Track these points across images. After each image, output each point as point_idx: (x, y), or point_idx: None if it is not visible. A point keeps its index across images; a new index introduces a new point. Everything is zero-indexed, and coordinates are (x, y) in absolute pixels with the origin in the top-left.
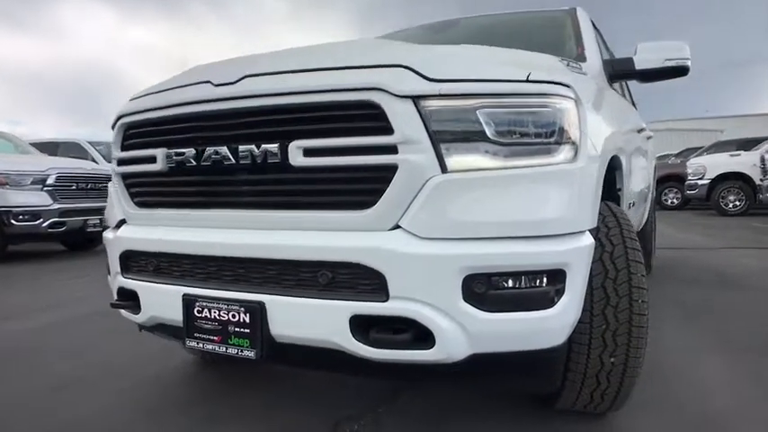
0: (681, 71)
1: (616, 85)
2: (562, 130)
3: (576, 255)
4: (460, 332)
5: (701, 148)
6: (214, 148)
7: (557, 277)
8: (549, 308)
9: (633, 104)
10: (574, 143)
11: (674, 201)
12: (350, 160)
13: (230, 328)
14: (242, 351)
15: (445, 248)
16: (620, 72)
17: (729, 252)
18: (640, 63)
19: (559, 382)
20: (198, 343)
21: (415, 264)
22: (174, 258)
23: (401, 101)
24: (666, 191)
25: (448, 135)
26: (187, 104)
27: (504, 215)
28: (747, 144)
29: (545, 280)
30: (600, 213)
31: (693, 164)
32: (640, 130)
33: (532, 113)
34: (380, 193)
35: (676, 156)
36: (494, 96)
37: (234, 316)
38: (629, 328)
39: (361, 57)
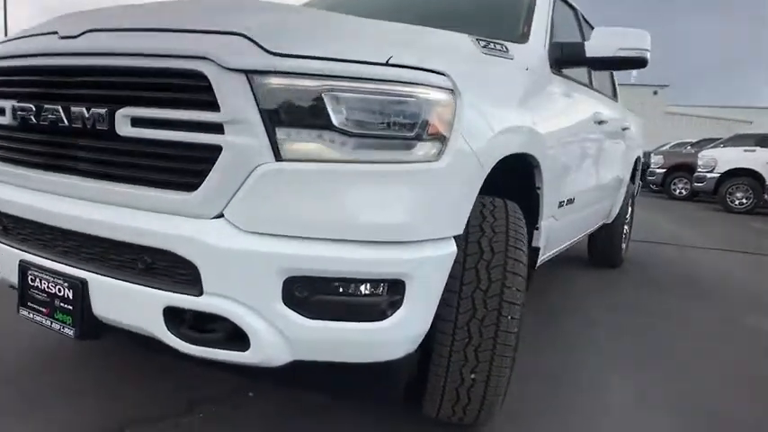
0: (637, 62)
1: (580, 71)
2: (425, 124)
3: (421, 265)
4: (279, 337)
5: (719, 139)
6: (52, 106)
7: (393, 288)
8: (380, 320)
9: (614, 91)
10: (440, 139)
11: (683, 191)
12: (175, 136)
13: (56, 303)
14: (64, 328)
15: (266, 245)
16: (569, 58)
17: (715, 253)
18: (592, 50)
19: (408, 392)
20: (29, 313)
21: (232, 259)
22: (16, 221)
23: (232, 75)
24: (676, 181)
25: (286, 119)
26: (33, 56)
27: (341, 215)
28: (766, 140)
29: (378, 290)
30: (491, 216)
31: (705, 156)
32: (601, 122)
33: (390, 102)
34: (205, 175)
35: (693, 145)
36: (344, 79)
37: (60, 290)
38: (493, 345)
39: (201, 19)
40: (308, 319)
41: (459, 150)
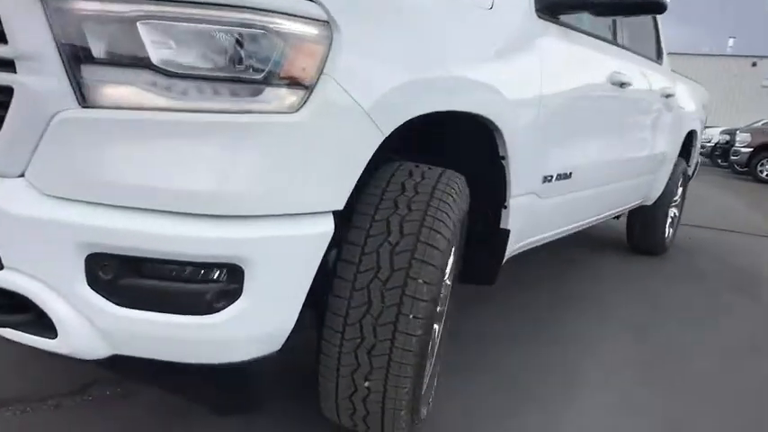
0: (651, 7)
1: (603, 22)
2: (278, 65)
3: (269, 247)
4: (88, 326)
5: None
6: None
7: (228, 275)
8: (209, 314)
9: (659, 52)
10: (301, 86)
11: None
12: None
13: None
14: None
15: (63, 213)
16: (562, 1)
17: None
18: None
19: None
20: None
21: (26, 227)
22: None
23: None
24: (764, 161)
25: (91, 54)
26: None
27: (158, 179)
28: None
29: (205, 276)
30: (413, 189)
31: None
32: (623, 84)
33: (230, 35)
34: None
35: None
36: (167, 3)
37: None
38: (389, 348)
39: None
40: (119, 307)
41: (333, 102)
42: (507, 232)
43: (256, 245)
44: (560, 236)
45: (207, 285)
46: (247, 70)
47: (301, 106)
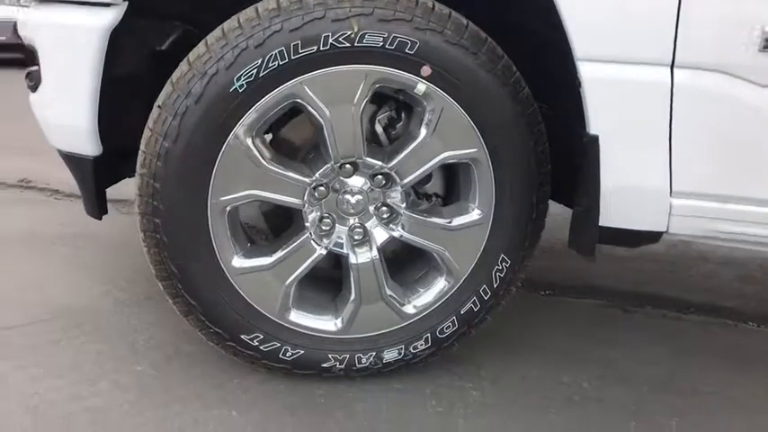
0: None
1: None
2: None
3: (47, 32)
4: None
5: None
6: None
7: (33, 57)
8: (32, 91)
9: None
10: None
11: None
12: None
13: None
14: None
15: None
16: None
17: None
18: None
19: None
20: None
21: None
22: None
23: None
24: None
25: None
26: None
27: None
28: None
29: (27, 55)
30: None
31: None
32: None
33: None
34: None
35: None
36: None
37: None
38: None
39: None
40: None
41: None
42: (592, 140)
43: (37, 28)
44: None
45: (30, 65)
46: None
47: None
